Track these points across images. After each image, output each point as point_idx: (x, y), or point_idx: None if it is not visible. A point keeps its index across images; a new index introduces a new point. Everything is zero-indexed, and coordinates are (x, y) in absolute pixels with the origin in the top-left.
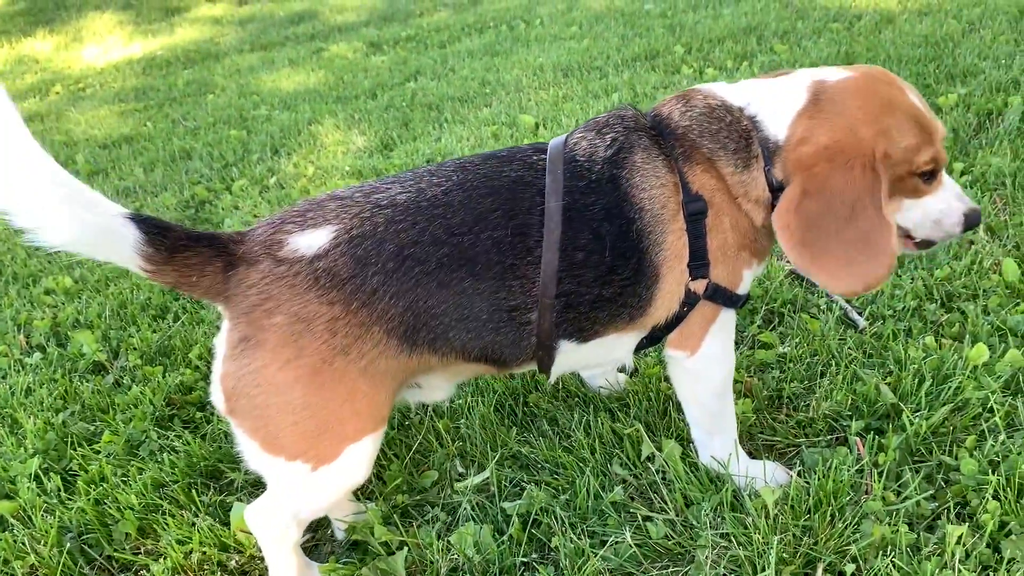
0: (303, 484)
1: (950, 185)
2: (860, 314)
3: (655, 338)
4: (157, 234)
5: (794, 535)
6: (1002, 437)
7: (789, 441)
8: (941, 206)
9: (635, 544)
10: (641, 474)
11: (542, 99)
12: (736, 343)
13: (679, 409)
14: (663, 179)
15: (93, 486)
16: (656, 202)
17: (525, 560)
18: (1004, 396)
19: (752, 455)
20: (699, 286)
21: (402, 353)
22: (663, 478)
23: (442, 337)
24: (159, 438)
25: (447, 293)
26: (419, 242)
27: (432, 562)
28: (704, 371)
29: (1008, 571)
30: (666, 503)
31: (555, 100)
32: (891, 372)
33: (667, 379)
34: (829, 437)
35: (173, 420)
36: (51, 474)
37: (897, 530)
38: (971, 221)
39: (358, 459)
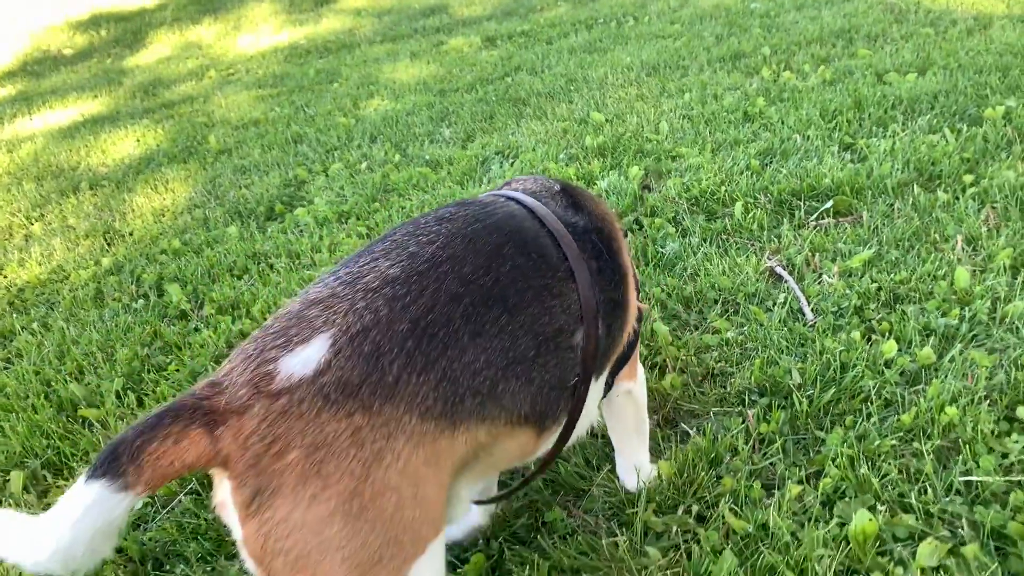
0: None
1: None
2: (811, 308)
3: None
4: (112, 461)
5: (663, 486)
6: (874, 419)
7: (706, 410)
8: None
9: (544, 482)
10: None
11: (620, 97)
12: (693, 327)
13: None
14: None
15: (159, 404)
16: (617, 237)
17: None
18: (904, 388)
19: (674, 421)
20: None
21: (443, 434)
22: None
23: (491, 395)
24: (213, 371)
25: (485, 339)
26: (434, 307)
27: None
28: (642, 392)
29: (826, 523)
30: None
31: (630, 99)
32: (806, 359)
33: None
34: (739, 408)
35: None
36: (129, 392)
37: (751, 485)
38: None
39: (432, 571)
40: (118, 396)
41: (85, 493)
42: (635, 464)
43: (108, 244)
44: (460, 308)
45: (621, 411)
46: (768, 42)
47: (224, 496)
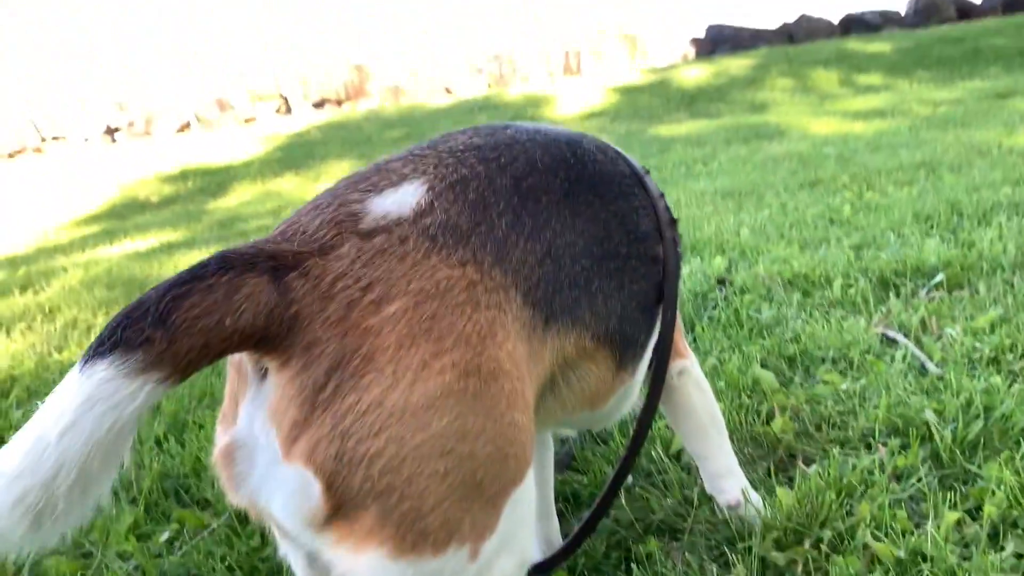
0: None
1: None
2: (932, 361)
3: None
4: (127, 327)
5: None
6: None
7: (826, 453)
8: None
9: (636, 518)
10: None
11: (694, 216)
12: (796, 384)
13: None
14: None
15: (202, 448)
16: None
17: None
18: None
19: (787, 467)
20: None
21: (536, 331)
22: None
23: (586, 291)
24: None
25: (583, 222)
26: (533, 172)
27: None
28: (701, 374)
29: (1000, 551)
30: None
31: (706, 216)
32: (940, 400)
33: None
34: (867, 455)
35: None
36: (170, 437)
37: (895, 514)
38: None
39: (526, 517)
40: (158, 442)
41: (81, 384)
42: (726, 470)
43: None
44: (558, 180)
45: (685, 400)
46: (846, 172)
47: (268, 396)
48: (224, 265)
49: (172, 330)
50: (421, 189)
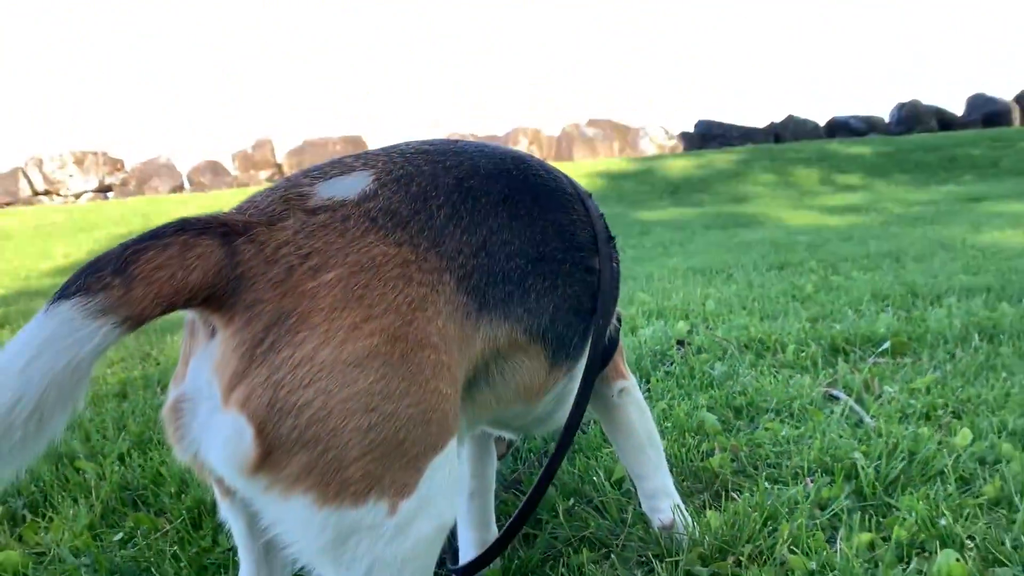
0: (375, 550)
1: None
2: (868, 414)
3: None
4: (90, 274)
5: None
6: (951, 490)
7: (757, 486)
8: None
9: (572, 535)
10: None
11: (664, 287)
12: (738, 431)
13: None
14: None
15: (163, 456)
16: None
17: None
18: (982, 469)
19: (721, 497)
20: None
21: (469, 317)
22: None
23: (519, 287)
24: None
25: (521, 224)
26: (475, 175)
27: None
28: (640, 396)
29: (904, 569)
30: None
31: (676, 288)
32: (869, 444)
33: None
34: (795, 487)
35: None
36: (133, 452)
37: (813, 534)
38: None
39: (447, 486)
40: (121, 458)
41: (44, 322)
42: (662, 490)
43: (142, 364)
44: (499, 186)
45: (625, 419)
46: (814, 257)
47: (215, 350)
48: (181, 227)
49: (130, 279)
50: (368, 179)
